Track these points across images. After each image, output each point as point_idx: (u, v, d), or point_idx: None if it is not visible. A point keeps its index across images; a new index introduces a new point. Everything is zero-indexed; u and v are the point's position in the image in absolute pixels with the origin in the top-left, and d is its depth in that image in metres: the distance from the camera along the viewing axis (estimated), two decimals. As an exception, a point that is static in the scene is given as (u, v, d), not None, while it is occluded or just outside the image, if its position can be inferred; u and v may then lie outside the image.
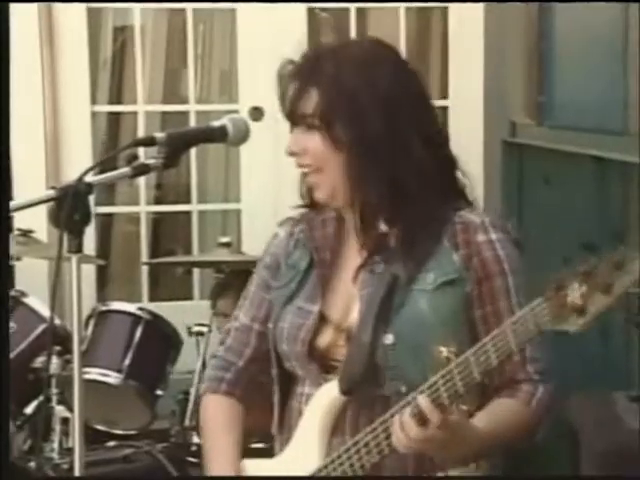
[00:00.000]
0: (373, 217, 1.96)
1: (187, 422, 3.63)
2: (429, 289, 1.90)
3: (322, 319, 2.00)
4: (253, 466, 2.09)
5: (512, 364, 1.89)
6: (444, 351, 1.76)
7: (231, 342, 2.16)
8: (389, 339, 1.89)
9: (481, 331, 1.89)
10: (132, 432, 3.82)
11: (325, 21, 4.86)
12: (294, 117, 1.95)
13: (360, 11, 4.64)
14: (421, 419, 1.75)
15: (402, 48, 4.54)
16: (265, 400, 2.15)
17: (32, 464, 3.59)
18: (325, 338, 2.00)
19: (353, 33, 4.54)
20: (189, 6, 4.54)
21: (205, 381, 2.19)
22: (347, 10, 4.58)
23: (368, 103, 1.91)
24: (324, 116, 1.92)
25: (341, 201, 1.99)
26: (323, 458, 1.95)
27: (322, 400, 1.96)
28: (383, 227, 1.96)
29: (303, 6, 4.50)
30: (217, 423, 2.12)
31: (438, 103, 4.72)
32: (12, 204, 1.79)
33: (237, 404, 2.14)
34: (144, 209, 4.68)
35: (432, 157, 1.94)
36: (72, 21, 4.43)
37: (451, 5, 4.55)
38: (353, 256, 2.01)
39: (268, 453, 2.13)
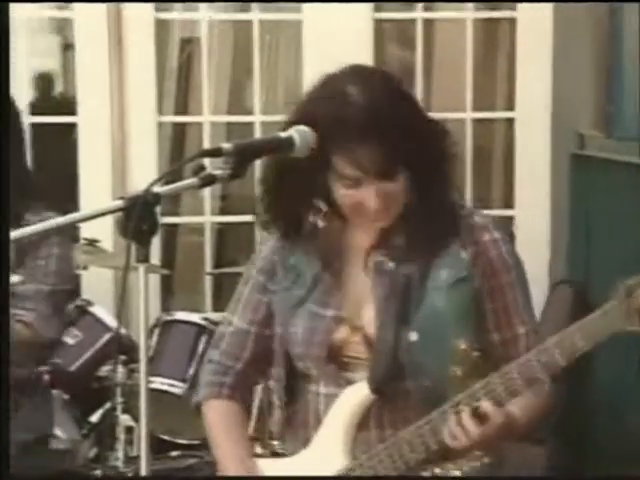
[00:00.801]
0: (398, 220, 2.02)
1: (250, 433, 3.63)
2: (444, 286, 2.00)
3: (335, 322, 2.05)
4: (269, 466, 2.12)
5: (520, 352, 1.99)
6: (462, 344, 1.94)
7: (226, 346, 2.18)
8: (413, 336, 1.97)
9: (490, 324, 2.04)
10: (196, 442, 3.83)
11: (391, 32, 4.85)
12: (379, 174, 1.95)
13: (427, 22, 4.62)
14: (481, 419, 1.89)
15: (469, 59, 4.54)
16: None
17: (98, 472, 3.62)
18: (339, 337, 2.05)
19: (419, 44, 4.52)
20: (255, 17, 4.55)
21: (203, 387, 2.20)
22: (414, 21, 4.56)
23: (426, 140, 1.99)
24: (406, 168, 1.96)
25: None
26: (348, 455, 2.01)
27: (351, 400, 2.02)
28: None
29: (369, 16, 4.48)
30: (223, 428, 2.15)
31: (505, 115, 4.69)
32: (80, 214, 1.80)
33: (239, 406, 2.18)
34: (208, 219, 4.70)
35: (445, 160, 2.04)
36: (140, 32, 4.46)
37: (519, 15, 4.50)
38: (359, 255, 2.06)
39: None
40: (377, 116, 1.92)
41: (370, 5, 4.48)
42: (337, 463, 2.02)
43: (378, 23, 4.57)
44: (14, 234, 1.76)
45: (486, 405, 1.89)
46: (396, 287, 1.99)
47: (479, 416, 1.89)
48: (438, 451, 1.97)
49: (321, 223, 2.08)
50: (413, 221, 2.01)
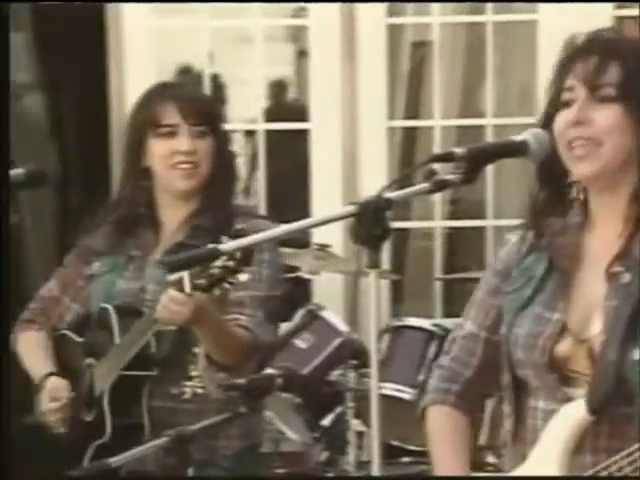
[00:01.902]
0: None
1: (481, 441, 3.58)
2: None
3: (560, 328, 1.94)
4: None
5: None
6: None
7: (457, 351, 2.11)
8: (637, 355, 1.84)
9: None
10: (427, 449, 3.80)
11: (632, 29, 4.68)
12: (590, 88, 1.90)
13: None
14: None
15: None
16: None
17: (329, 475, 3.66)
18: (563, 348, 1.93)
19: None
20: (489, 19, 4.49)
21: (430, 392, 2.14)
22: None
23: None
24: (626, 88, 1.87)
25: (607, 181, 1.91)
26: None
27: (568, 418, 1.90)
28: None
29: (609, 14, 4.34)
30: (442, 436, 2.08)
31: None
32: (312, 220, 1.82)
33: (463, 415, 2.09)
34: (439, 224, 4.67)
35: None
36: (372, 37, 4.49)
37: None
38: (596, 263, 1.94)
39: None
40: (612, 38, 1.95)
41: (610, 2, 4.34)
42: None
43: (619, 20, 4.41)
44: (240, 242, 1.79)
45: None
46: (629, 301, 1.87)
47: None
48: None
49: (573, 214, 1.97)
50: None
